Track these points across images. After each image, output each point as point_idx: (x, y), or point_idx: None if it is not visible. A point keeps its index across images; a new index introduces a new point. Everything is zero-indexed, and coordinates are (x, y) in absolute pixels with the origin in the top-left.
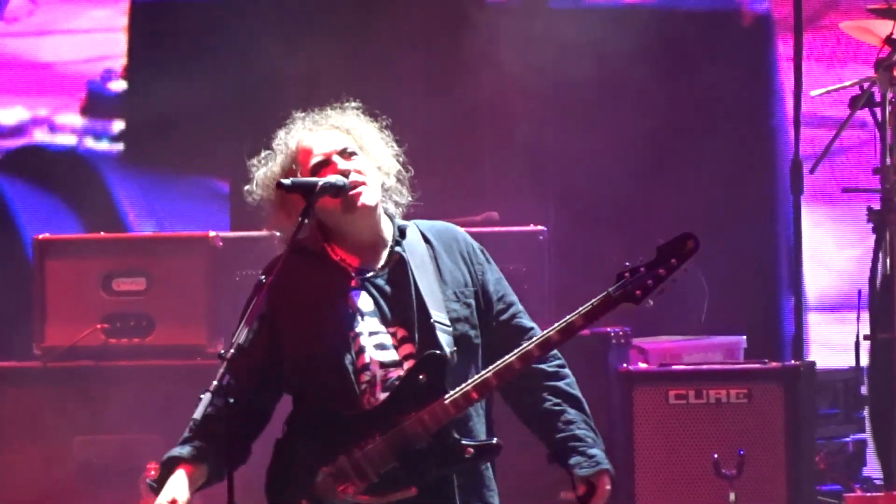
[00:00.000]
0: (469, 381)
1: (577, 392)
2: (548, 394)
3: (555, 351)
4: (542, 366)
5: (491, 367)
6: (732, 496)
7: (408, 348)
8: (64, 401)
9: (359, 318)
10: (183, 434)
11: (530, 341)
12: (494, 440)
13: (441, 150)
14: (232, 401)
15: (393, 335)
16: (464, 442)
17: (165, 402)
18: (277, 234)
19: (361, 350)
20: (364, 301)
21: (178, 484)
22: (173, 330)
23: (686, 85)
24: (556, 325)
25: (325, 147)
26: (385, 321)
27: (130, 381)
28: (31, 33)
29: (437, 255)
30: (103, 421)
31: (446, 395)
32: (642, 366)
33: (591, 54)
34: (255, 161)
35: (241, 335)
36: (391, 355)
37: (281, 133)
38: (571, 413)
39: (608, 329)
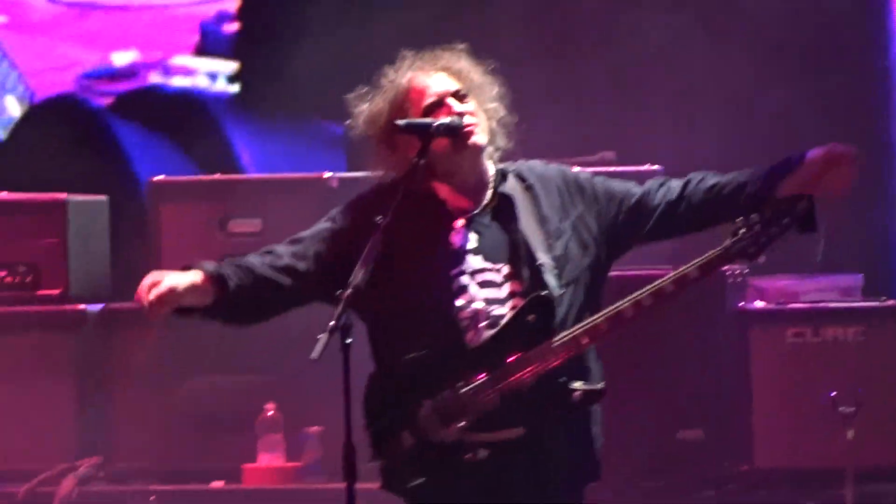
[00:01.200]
0: (579, 325)
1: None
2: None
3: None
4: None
5: (602, 313)
6: (850, 434)
7: (513, 286)
8: (181, 342)
9: (463, 255)
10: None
11: (642, 291)
12: (601, 385)
13: (556, 90)
14: (349, 341)
15: (498, 272)
16: (571, 385)
17: (281, 343)
18: (381, 170)
19: (465, 287)
20: (469, 239)
21: (182, 279)
22: None
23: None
24: (670, 275)
25: (439, 88)
26: (489, 258)
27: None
28: None
29: (537, 195)
30: (219, 363)
31: (555, 338)
32: (759, 305)
33: None
34: (356, 96)
35: (358, 275)
36: (496, 293)
37: (389, 71)
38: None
39: (725, 268)
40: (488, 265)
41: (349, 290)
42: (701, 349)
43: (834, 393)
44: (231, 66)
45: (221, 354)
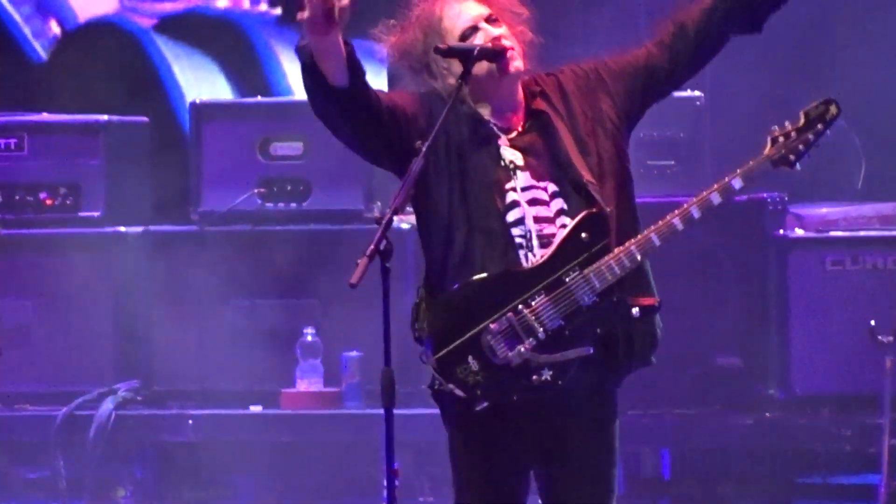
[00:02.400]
0: (633, 240)
1: None
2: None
3: None
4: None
5: (653, 228)
6: (889, 361)
7: (559, 203)
8: (221, 265)
9: (512, 172)
10: None
11: (690, 203)
12: (657, 300)
13: (586, 16)
14: (388, 265)
15: (544, 190)
16: (629, 301)
17: (321, 266)
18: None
19: (516, 204)
20: (515, 156)
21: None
22: (330, 195)
23: None
24: (714, 186)
25: (472, 13)
26: (536, 176)
27: (287, 245)
28: None
29: (561, 108)
30: (258, 286)
31: (610, 254)
32: (799, 232)
33: None
34: (384, 28)
35: (399, 199)
36: (545, 211)
37: (418, 0)
38: None
39: (764, 195)
40: (534, 182)
41: (388, 214)
42: (740, 276)
43: (873, 321)
44: None
45: (260, 278)
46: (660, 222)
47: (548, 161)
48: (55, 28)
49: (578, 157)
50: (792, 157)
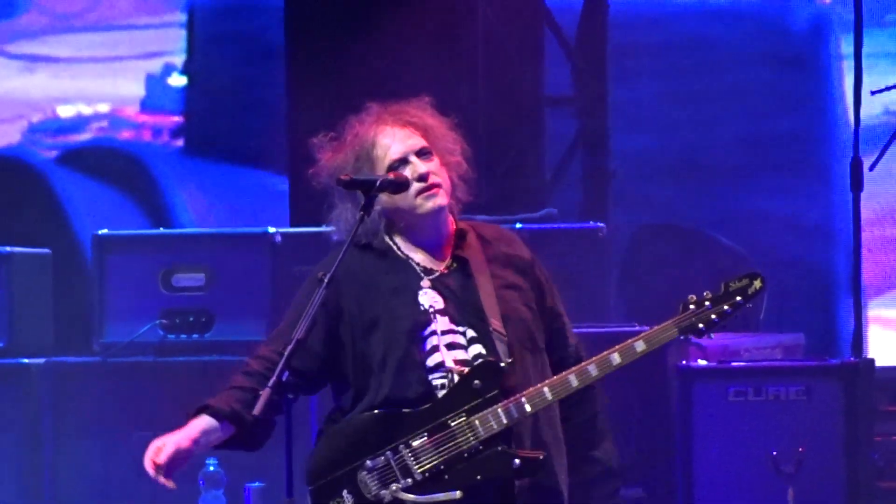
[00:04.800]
0: (525, 391)
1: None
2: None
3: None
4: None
5: (547, 382)
6: (791, 493)
7: (477, 348)
8: (123, 396)
9: (431, 315)
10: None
11: (590, 360)
12: (541, 456)
13: (500, 147)
14: (290, 396)
15: (463, 335)
16: (511, 451)
17: None
18: (338, 225)
19: (435, 349)
20: (435, 299)
21: (186, 433)
22: (233, 326)
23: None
24: (617, 347)
25: (404, 146)
26: (455, 321)
27: (190, 376)
28: (90, 29)
29: (494, 259)
30: (162, 416)
31: (499, 404)
32: (702, 363)
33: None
34: (321, 141)
35: (300, 330)
36: (463, 354)
37: (355, 122)
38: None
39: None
40: (453, 327)
41: (291, 345)
42: (643, 406)
43: (775, 451)
44: (176, 119)
45: (164, 409)
46: (555, 377)
47: (467, 307)
48: None
49: (493, 306)
50: (701, 325)
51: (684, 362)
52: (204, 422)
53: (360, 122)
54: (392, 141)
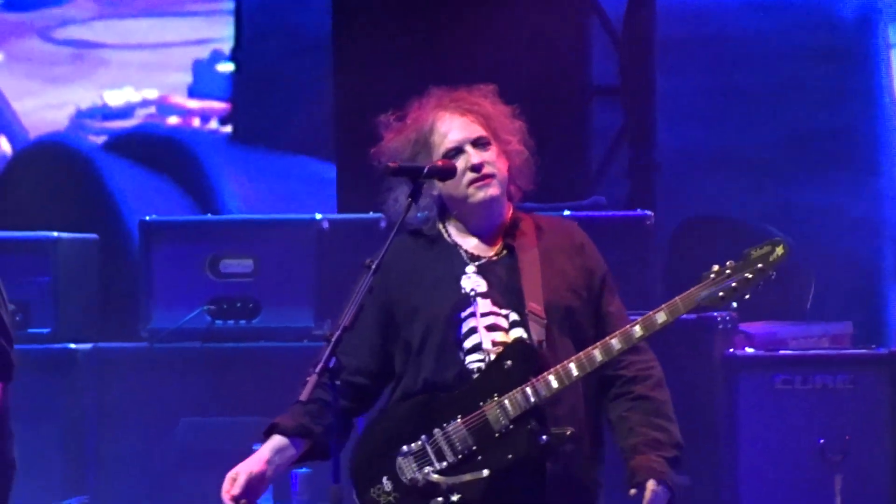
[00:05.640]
0: (552, 368)
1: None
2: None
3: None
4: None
5: (573, 357)
6: (838, 481)
7: (518, 332)
8: (169, 382)
9: (472, 298)
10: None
11: (612, 334)
12: (568, 431)
13: (546, 137)
14: (337, 382)
15: (505, 318)
16: (538, 430)
17: (271, 384)
18: (388, 211)
19: (473, 330)
20: (478, 283)
21: (257, 456)
22: (280, 312)
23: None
24: (639, 319)
25: (461, 135)
26: (497, 304)
27: (236, 363)
28: (138, 15)
29: (548, 248)
30: (208, 403)
31: (527, 383)
32: (749, 351)
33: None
34: (383, 123)
35: (348, 317)
36: (503, 337)
37: (416, 105)
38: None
39: (714, 314)
40: (496, 309)
41: (338, 332)
42: (689, 395)
43: (822, 440)
44: (223, 106)
45: (210, 395)
46: (581, 353)
47: (511, 290)
48: (6, 146)
49: (536, 290)
50: (722, 294)
51: (731, 351)
52: (274, 441)
53: (420, 106)
54: (449, 129)
